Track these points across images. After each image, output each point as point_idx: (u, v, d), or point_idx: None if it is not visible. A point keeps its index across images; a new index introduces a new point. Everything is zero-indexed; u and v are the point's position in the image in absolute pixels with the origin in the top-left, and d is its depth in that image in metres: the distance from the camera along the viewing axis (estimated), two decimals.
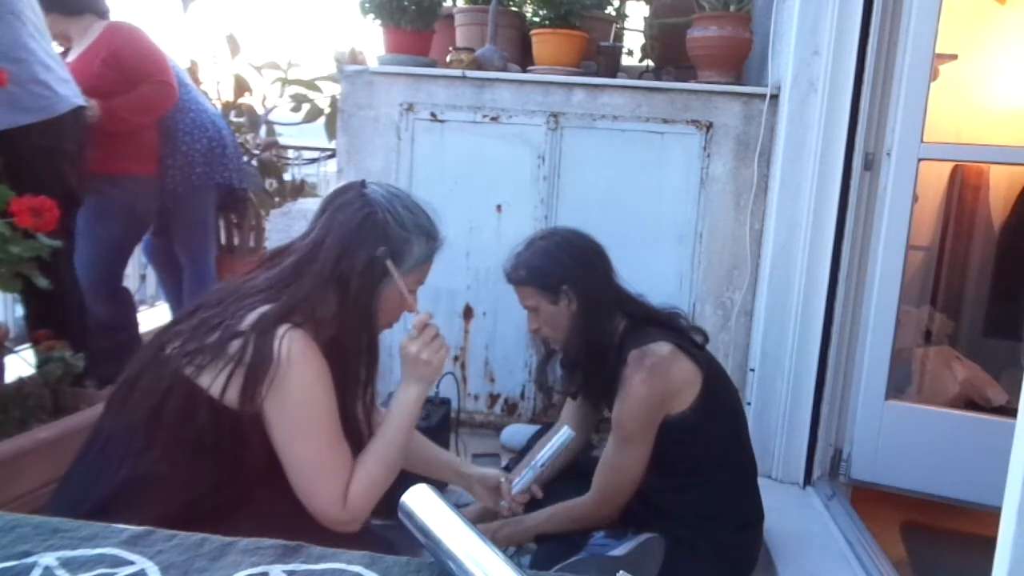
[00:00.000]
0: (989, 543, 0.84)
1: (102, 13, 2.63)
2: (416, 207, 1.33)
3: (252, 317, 1.17)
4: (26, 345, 2.19)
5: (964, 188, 2.97)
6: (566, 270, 1.66)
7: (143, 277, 3.91)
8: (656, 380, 1.57)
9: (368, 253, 1.25)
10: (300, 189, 4.10)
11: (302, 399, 1.16)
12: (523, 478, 1.62)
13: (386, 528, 1.78)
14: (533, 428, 2.29)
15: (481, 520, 1.80)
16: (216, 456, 1.17)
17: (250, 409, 1.15)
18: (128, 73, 2.58)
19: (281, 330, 1.16)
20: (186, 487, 1.16)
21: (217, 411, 1.15)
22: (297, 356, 1.15)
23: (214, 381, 1.15)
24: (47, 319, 2.18)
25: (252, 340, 1.15)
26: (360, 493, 1.22)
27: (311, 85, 3.99)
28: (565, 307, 1.66)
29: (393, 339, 2.65)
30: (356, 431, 1.28)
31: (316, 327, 1.22)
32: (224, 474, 1.18)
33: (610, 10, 3.02)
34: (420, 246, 1.31)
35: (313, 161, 4.60)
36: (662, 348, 1.60)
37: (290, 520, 1.14)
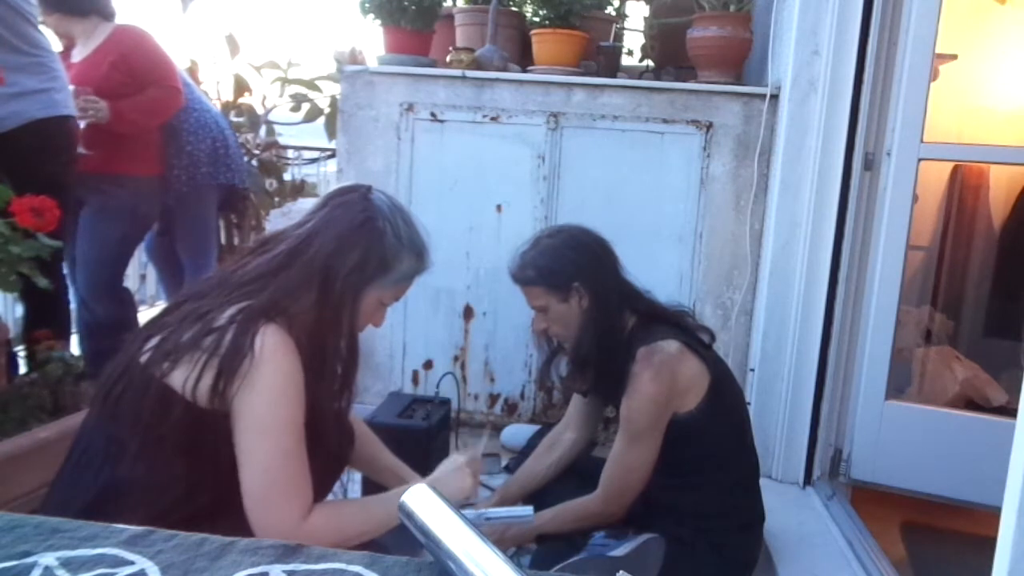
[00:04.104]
0: (989, 543, 0.84)
1: (108, 15, 2.63)
2: (414, 225, 1.33)
3: (231, 311, 1.16)
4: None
5: (964, 188, 2.97)
6: (577, 267, 1.65)
7: (143, 277, 3.92)
8: (665, 377, 1.57)
9: (360, 255, 1.24)
10: (300, 189, 4.11)
11: (274, 399, 1.14)
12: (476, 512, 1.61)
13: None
14: (533, 428, 2.30)
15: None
16: (190, 459, 1.16)
17: (221, 406, 1.13)
18: (137, 77, 2.58)
19: (260, 325, 1.14)
20: (162, 492, 1.14)
21: (190, 411, 1.13)
22: (272, 352, 1.13)
23: (187, 376, 1.12)
24: (38, 318, 2.20)
25: (230, 333, 1.13)
26: (324, 524, 1.17)
27: (311, 85, 4.00)
28: (576, 304, 1.65)
29: (393, 340, 2.66)
30: (327, 431, 1.24)
31: (290, 321, 1.20)
32: (199, 478, 1.17)
33: (610, 10, 3.03)
34: (409, 263, 1.31)
35: (313, 161, 4.61)
36: (671, 346, 1.59)
37: None
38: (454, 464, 1.39)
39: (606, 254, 1.71)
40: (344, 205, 1.28)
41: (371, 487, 1.56)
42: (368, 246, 1.25)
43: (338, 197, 1.31)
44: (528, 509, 1.60)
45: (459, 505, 1.44)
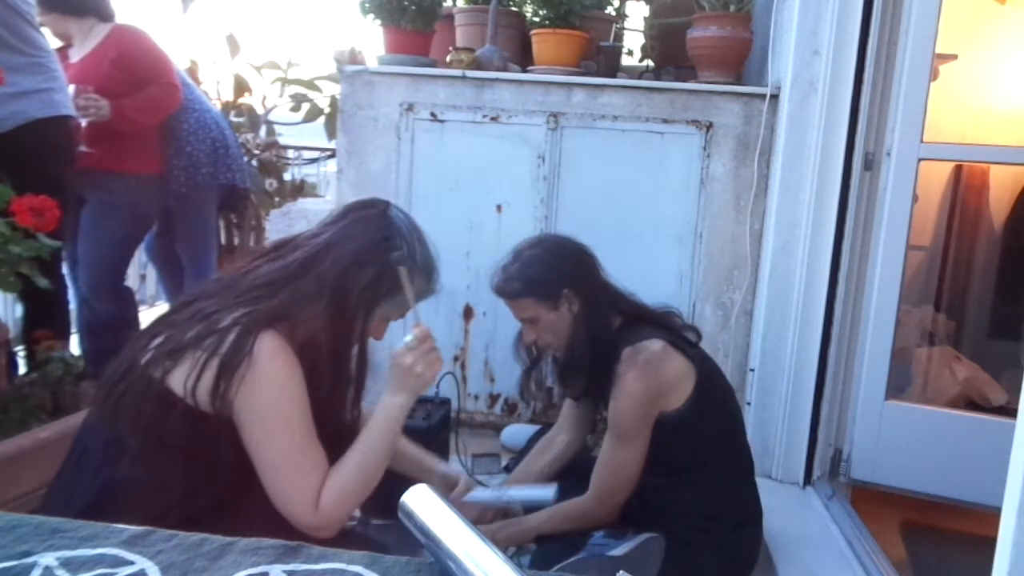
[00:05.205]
0: (989, 543, 0.84)
1: (105, 16, 2.63)
2: (428, 247, 1.34)
3: (237, 313, 1.17)
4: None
5: (965, 188, 2.97)
6: (564, 275, 1.65)
7: (143, 277, 3.92)
8: (650, 376, 1.58)
9: (375, 274, 1.25)
10: (300, 189, 4.11)
11: (274, 400, 1.15)
12: (484, 495, 1.60)
13: (386, 528, 1.77)
14: (533, 428, 2.29)
15: (480, 521, 1.81)
16: (190, 460, 1.16)
17: (221, 408, 1.14)
18: (136, 75, 2.59)
19: (261, 330, 1.15)
20: (161, 492, 1.15)
21: (189, 412, 1.14)
22: (268, 357, 1.14)
23: (188, 375, 1.13)
24: (38, 318, 2.20)
25: (232, 334, 1.14)
26: (334, 501, 1.18)
27: (311, 85, 4.00)
28: (567, 311, 1.65)
29: (393, 340, 2.65)
30: (339, 437, 1.25)
31: (293, 328, 1.21)
32: (199, 479, 1.17)
33: (610, 10, 3.02)
34: (419, 284, 1.33)
35: (313, 161, 4.62)
36: (655, 344, 1.60)
37: (269, 528, 1.13)
38: (402, 358, 1.29)
39: (589, 258, 1.73)
40: (363, 221, 1.30)
41: None
42: (384, 265, 1.26)
43: (357, 211, 1.32)
44: (550, 489, 1.58)
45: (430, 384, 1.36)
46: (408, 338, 1.29)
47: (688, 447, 1.63)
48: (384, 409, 1.29)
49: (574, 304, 1.65)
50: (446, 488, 1.62)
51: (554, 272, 1.65)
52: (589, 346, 1.65)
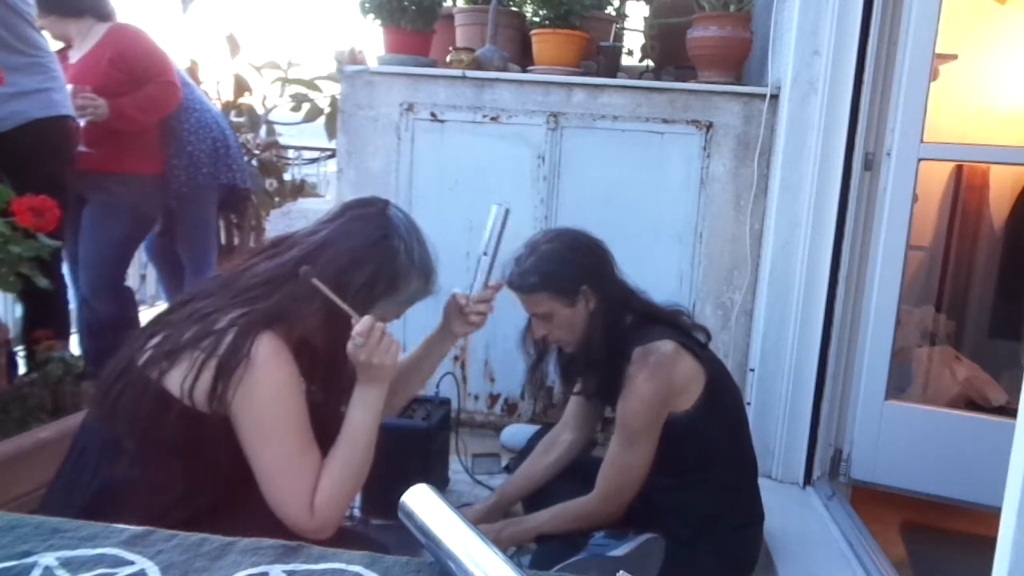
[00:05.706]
0: (989, 543, 0.84)
1: (103, 16, 2.64)
2: (426, 248, 1.33)
3: (234, 314, 1.16)
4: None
5: (964, 188, 2.97)
6: (583, 270, 1.63)
7: (143, 277, 3.92)
8: (660, 378, 1.57)
9: (371, 273, 1.24)
10: (300, 189, 4.11)
11: (271, 403, 1.14)
12: (476, 280, 1.50)
13: (386, 528, 1.78)
14: (533, 428, 2.30)
15: (483, 521, 1.81)
16: (188, 461, 1.16)
17: (219, 409, 1.13)
18: (134, 73, 2.60)
19: (259, 331, 1.14)
20: (159, 493, 1.15)
21: (187, 413, 1.13)
22: (265, 360, 1.13)
23: (185, 376, 1.13)
24: (38, 318, 2.20)
25: (229, 335, 1.13)
26: (327, 501, 1.17)
27: (311, 85, 4.00)
28: (583, 308, 1.63)
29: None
30: (329, 435, 1.24)
31: (291, 328, 1.21)
32: (197, 480, 1.17)
33: (610, 10, 3.02)
34: (417, 286, 1.31)
35: (313, 161, 4.62)
36: (666, 346, 1.59)
37: (268, 528, 1.13)
38: (356, 357, 1.22)
39: (605, 254, 1.71)
40: (361, 219, 1.28)
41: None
42: (380, 264, 1.25)
43: (356, 209, 1.31)
44: (494, 208, 1.47)
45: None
46: (353, 333, 1.22)
47: (696, 448, 1.63)
48: (359, 405, 1.26)
49: (591, 301, 1.63)
50: (458, 315, 1.53)
51: (573, 267, 1.62)
52: (605, 343, 1.63)
